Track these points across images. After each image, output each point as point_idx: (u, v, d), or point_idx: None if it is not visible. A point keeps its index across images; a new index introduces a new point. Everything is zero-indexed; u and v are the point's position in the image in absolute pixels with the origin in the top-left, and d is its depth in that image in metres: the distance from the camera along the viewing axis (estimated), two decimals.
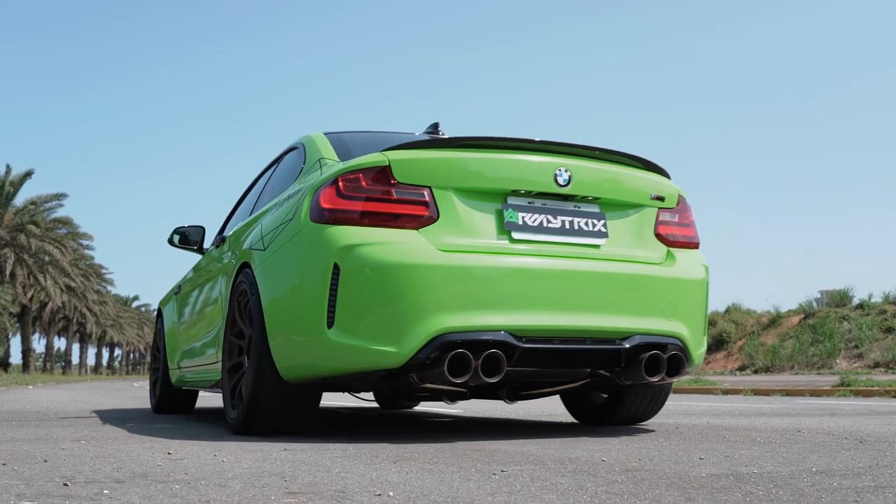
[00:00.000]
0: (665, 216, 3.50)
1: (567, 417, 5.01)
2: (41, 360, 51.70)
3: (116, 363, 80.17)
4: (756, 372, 23.13)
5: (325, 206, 3.07)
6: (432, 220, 3.05)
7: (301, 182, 3.59)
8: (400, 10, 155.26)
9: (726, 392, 11.66)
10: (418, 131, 4.32)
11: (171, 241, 5.31)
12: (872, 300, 25.33)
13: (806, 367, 22.11)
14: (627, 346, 3.15)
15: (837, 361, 21.88)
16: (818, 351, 22.67)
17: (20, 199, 37.34)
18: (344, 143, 3.78)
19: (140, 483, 2.15)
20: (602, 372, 3.32)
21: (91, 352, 67.18)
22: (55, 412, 6.71)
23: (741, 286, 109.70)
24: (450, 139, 3.25)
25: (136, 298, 78.50)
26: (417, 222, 3.04)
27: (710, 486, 2.10)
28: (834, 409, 6.55)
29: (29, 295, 40.38)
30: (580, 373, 3.33)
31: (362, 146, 3.64)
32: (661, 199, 3.46)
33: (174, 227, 5.28)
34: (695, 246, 3.62)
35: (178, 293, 5.69)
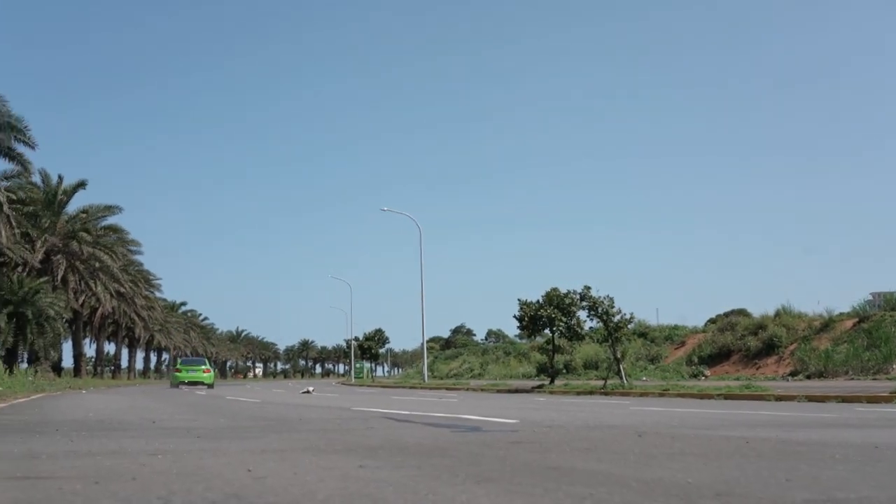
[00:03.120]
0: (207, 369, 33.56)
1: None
2: (91, 364, 52.91)
3: (163, 367, 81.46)
4: (809, 377, 22.55)
5: (174, 370, 35.22)
6: (180, 371, 32.53)
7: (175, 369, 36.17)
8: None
9: (779, 399, 11.39)
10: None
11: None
12: None
13: (861, 373, 21.49)
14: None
15: (894, 367, 21.28)
16: (873, 356, 22.01)
17: (73, 208, 38.41)
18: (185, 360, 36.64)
19: None
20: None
21: (139, 356, 68.51)
22: (118, 421, 6.88)
23: (791, 288, 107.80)
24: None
25: (183, 304, 79.80)
26: (178, 371, 33.06)
27: None
28: None
29: (80, 300, 41.38)
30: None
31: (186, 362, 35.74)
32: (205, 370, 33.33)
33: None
34: (209, 373, 32.46)
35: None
